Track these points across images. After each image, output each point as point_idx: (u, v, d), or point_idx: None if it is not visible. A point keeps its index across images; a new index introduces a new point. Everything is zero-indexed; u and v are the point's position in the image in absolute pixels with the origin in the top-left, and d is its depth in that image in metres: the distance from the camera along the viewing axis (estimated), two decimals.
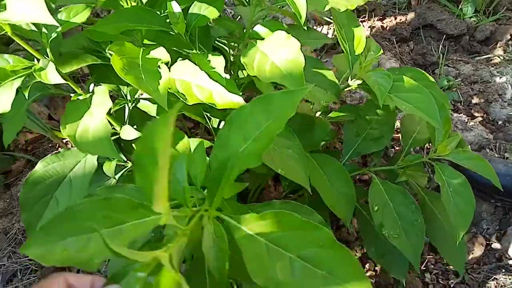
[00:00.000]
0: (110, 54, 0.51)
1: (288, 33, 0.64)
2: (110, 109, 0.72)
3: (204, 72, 0.57)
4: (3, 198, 1.25)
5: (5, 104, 0.52)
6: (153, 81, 0.50)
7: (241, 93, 0.79)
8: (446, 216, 0.72)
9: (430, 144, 0.77)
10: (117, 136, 0.71)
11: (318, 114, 0.80)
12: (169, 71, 0.63)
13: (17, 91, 0.61)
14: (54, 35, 0.58)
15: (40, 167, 0.64)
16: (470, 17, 1.85)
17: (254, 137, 0.47)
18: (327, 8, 0.64)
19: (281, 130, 0.46)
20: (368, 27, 1.88)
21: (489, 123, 1.42)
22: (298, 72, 0.56)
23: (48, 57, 0.60)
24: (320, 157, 0.78)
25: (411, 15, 1.89)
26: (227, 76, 0.58)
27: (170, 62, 0.64)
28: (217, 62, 0.59)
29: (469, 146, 1.27)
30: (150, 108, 0.70)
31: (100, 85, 0.61)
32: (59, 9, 0.59)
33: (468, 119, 1.40)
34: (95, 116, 0.56)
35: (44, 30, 0.58)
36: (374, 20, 1.91)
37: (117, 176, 0.75)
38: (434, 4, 1.92)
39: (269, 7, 0.71)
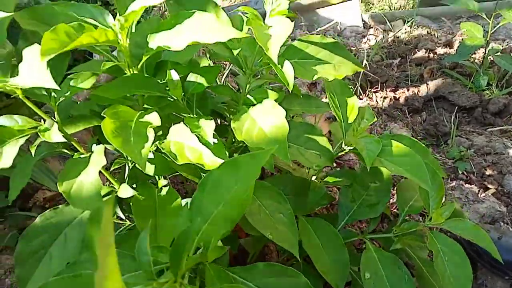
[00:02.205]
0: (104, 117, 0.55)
1: (283, 102, 0.68)
2: (110, 168, 0.76)
3: (194, 134, 0.61)
4: None
5: (7, 161, 0.56)
6: (139, 144, 0.53)
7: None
8: None
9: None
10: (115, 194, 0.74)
11: (313, 178, 0.82)
12: (167, 134, 0.67)
13: (28, 149, 0.66)
14: (62, 99, 0.63)
15: (38, 221, 0.67)
16: (483, 90, 1.88)
17: (225, 201, 0.49)
18: (315, 77, 0.68)
19: (247, 193, 0.48)
20: (381, 97, 1.93)
21: (503, 196, 1.38)
22: (282, 137, 0.59)
23: (55, 119, 0.65)
24: (314, 222, 0.78)
25: (423, 87, 1.94)
26: (215, 141, 0.61)
27: (168, 125, 0.68)
28: (207, 126, 0.62)
29: (481, 218, 1.23)
30: (148, 168, 0.73)
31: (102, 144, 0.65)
32: (69, 76, 0.65)
33: (480, 191, 1.37)
34: (90, 173, 0.59)
35: (53, 94, 0.64)
36: (387, 91, 1.96)
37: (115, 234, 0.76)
38: (446, 77, 1.96)
39: (266, 77, 0.76)
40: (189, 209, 0.48)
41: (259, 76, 0.78)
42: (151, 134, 0.55)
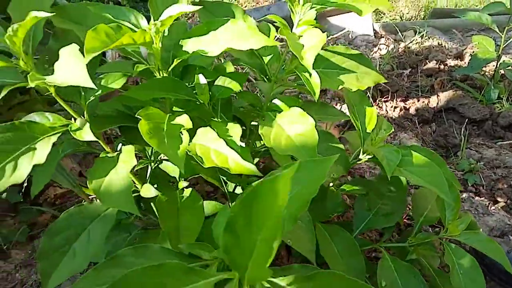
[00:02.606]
0: (139, 118, 0.57)
1: (304, 110, 0.69)
2: (134, 168, 0.78)
3: (222, 139, 0.62)
4: (26, 249, 1.29)
5: (40, 157, 0.58)
6: (174, 145, 0.55)
7: (257, 160, 0.83)
8: None
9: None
10: (137, 194, 0.75)
11: (330, 185, 0.83)
12: (193, 136, 0.69)
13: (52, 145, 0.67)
14: (92, 98, 0.65)
15: (62, 218, 0.68)
16: (493, 103, 1.89)
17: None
18: (340, 87, 0.69)
19: (315, 194, 0.49)
20: (391, 107, 1.94)
21: None
22: (311, 146, 0.61)
23: (85, 117, 0.66)
24: (331, 228, 0.80)
25: (433, 98, 1.95)
26: (243, 144, 0.63)
27: (193, 128, 0.70)
28: (235, 131, 0.64)
29: (490, 231, 1.24)
30: (171, 169, 0.74)
31: (128, 144, 0.67)
32: (100, 76, 0.66)
33: (490, 204, 1.38)
34: (120, 173, 0.60)
35: (83, 93, 0.65)
36: (397, 101, 1.98)
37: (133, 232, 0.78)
38: (456, 89, 1.97)
39: (286, 83, 0.78)
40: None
41: (277, 83, 0.79)
42: (185, 136, 0.57)
